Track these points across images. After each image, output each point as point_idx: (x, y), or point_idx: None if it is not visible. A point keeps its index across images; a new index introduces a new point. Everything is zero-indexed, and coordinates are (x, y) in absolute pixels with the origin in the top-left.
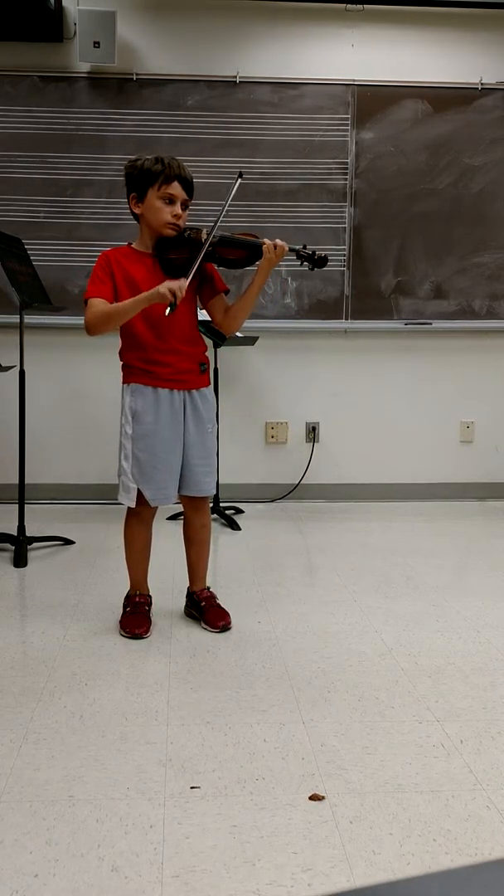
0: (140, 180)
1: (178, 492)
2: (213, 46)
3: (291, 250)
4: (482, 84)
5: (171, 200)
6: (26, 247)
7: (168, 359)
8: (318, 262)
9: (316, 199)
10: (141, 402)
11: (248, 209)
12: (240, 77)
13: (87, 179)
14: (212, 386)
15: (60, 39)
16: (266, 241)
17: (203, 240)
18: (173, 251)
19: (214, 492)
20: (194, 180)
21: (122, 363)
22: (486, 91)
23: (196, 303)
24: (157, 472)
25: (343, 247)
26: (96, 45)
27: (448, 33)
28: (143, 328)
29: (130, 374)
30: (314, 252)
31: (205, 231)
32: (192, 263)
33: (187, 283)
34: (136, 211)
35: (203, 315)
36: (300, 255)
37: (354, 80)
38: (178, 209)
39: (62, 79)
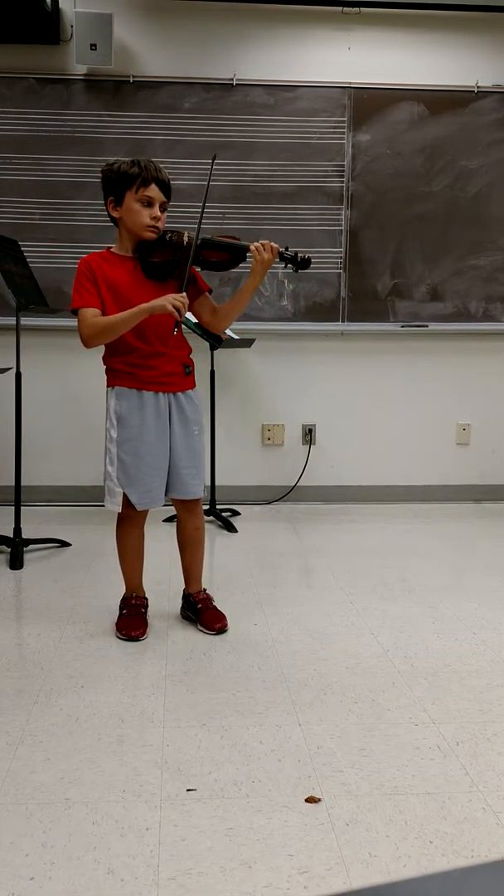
0: (117, 183)
1: (166, 494)
2: (210, 49)
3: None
4: (478, 87)
5: (149, 203)
6: (23, 248)
7: (153, 362)
8: (301, 263)
9: (312, 202)
10: (126, 405)
11: (245, 212)
12: (236, 79)
13: (83, 181)
14: (197, 388)
15: (57, 41)
16: (254, 243)
17: (185, 242)
18: (155, 254)
19: (202, 494)
20: (191, 183)
21: (105, 367)
22: (482, 94)
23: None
24: (143, 475)
25: (339, 249)
26: (93, 47)
27: (444, 36)
28: (128, 333)
29: (115, 377)
30: (296, 254)
31: (186, 234)
32: (176, 267)
33: (185, 293)
34: (115, 215)
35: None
36: (283, 257)
37: (351, 83)
38: (156, 211)
39: (59, 81)
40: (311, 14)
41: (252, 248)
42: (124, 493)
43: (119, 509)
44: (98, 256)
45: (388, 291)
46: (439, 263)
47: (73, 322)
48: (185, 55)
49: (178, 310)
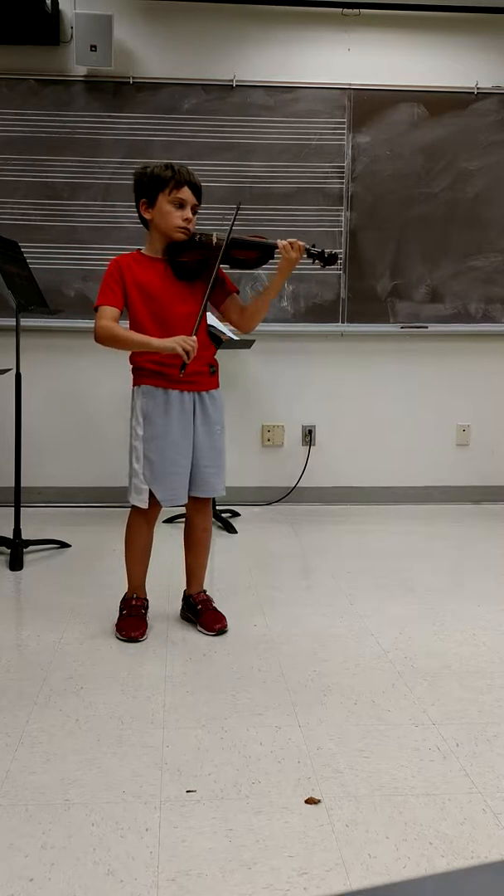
0: (150, 186)
1: (189, 492)
2: (210, 50)
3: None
4: (478, 88)
5: (181, 205)
6: (22, 250)
7: (178, 361)
8: (328, 259)
9: (312, 203)
10: (152, 403)
11: (244, 213)
12: (236, 81)
13: (83, 182)
14: (220, 388)
15: (57, 43)
16: (281, 241)
17: (214, 243)
18: (185, 255)
19: (223, 493)
20: None
21: (132, 366)
22: (482, 95)
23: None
24: (169, 473)
25: (339, 250)
26: (93, 48)
27: (444, 37)
28: (155, 333)
29: (141, 376)
30: (323, 250)
31: (215, 235)
32: (205, 267)
33: (196, 332)
34: (147, 216)
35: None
36: (311, 254)
37: (351, 84)
38: (188, 213)
39: (59, 82)
40: (310, 15)
41: (280, 245)
42: (150, 491)
43: (146, 506)
44: (129, 258)
45: (388, 293)
46: (439, 265)
47: (72, 323)
48: (184, 56)
49: (186, 353)
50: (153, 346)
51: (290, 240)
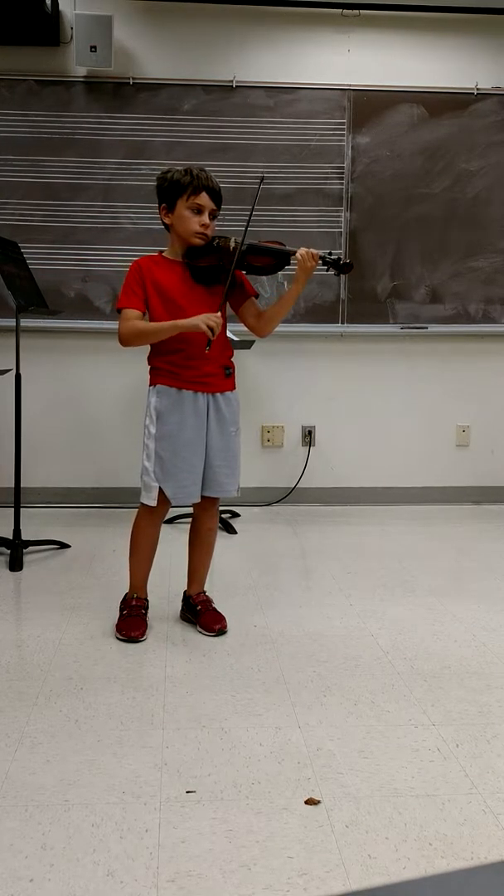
0: (170, 191)
1: (202, 492)
2: (210, 51)
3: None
4: (478, 89)
5: (199, 210)
6: (22, 250)
7: (194, 363)
8: (342, 267)
9: (312, 204)
10: (166, 402)
11: (244, 214)
12: (236, 81)
13: (82, 183)
14: (237, 390)
15: (57, 43)
16: (301, 249)
17: (231, 248)
18: (202, 259)
19: (236, 493)
20: None
21: (150, 367)
22: (481, 96)
23: (227, 310)
24: (180, 471)
25: (339, 251)
26: (93, 49)
27: (444, 38)
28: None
29: (157, 375)
30: (339, 258)
31: (233, 240)
32: (222, 271)
33: (222, 311)
34: (167, 221)
35: None
36: (326, 262)
37: (350, 85)
38: (205, 219)
39: (59, 82)
40: (310, 16)
41: (298, 255)
42: (160, 488)
43: (155, 503)
44: (150, 260)
45: (388, 293)
46: (439, 265)
47: (72, 324)
48: (185, 57)
49: (211, 329)
50: (180, 326)
51: (309, 250)
